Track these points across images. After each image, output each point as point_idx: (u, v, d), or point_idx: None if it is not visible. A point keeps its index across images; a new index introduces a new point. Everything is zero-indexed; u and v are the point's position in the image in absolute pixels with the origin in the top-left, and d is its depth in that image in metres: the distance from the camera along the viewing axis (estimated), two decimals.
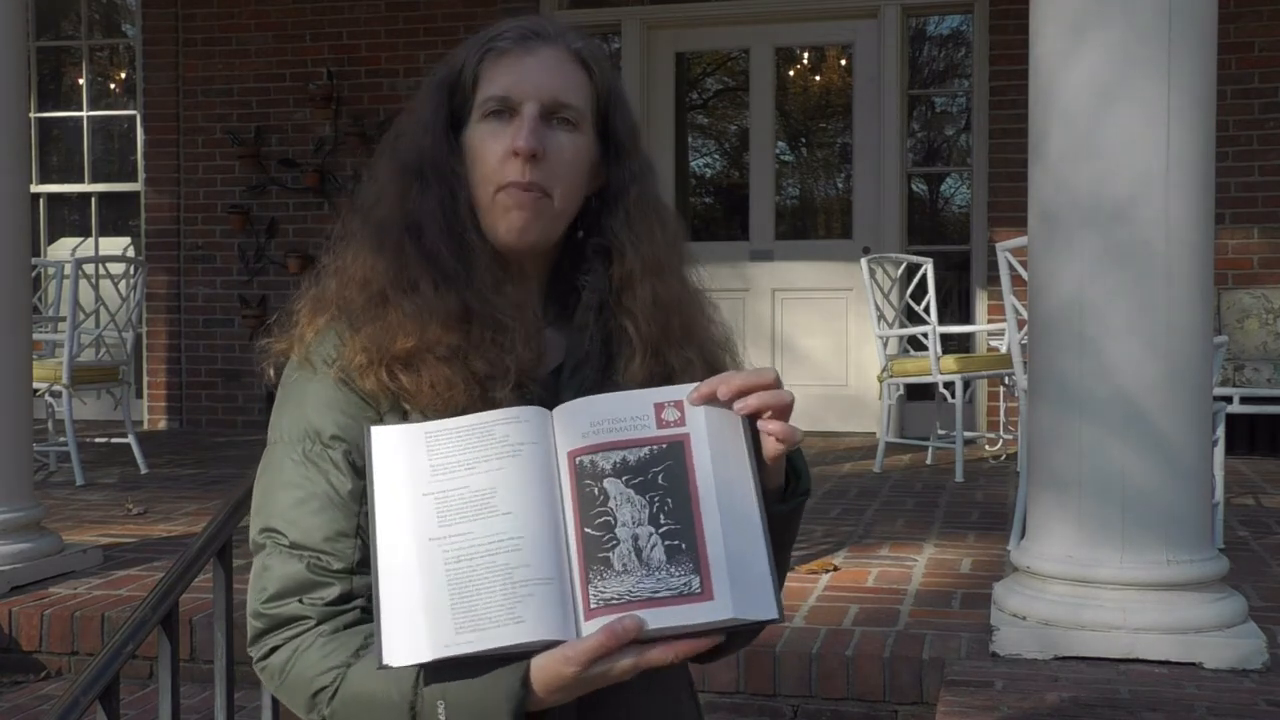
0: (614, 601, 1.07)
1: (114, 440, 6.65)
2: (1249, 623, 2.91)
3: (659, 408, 1.15)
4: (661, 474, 1.12)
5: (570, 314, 1.32)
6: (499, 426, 1.15)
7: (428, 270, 1.26)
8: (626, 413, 1.15)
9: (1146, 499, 2.84)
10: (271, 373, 1.33)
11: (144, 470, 5.95)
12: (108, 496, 5.33)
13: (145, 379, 8.00)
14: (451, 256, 1.26)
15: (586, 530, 1.10)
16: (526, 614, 1.07)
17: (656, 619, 1.06)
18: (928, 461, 6.21)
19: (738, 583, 1.07)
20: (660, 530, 1.09)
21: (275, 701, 2.19)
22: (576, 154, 1.28)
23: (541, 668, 1.07)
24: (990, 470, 5.98)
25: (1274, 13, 6.62)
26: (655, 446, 1.13)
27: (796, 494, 1.26)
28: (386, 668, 1.08)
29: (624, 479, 1.12)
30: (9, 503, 3.78)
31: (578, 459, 1.14)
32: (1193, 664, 2.79)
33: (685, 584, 1.07)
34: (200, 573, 2.12)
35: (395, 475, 1.15)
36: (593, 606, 1.08)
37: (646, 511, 1.10)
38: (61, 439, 6.11)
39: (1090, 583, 2.87)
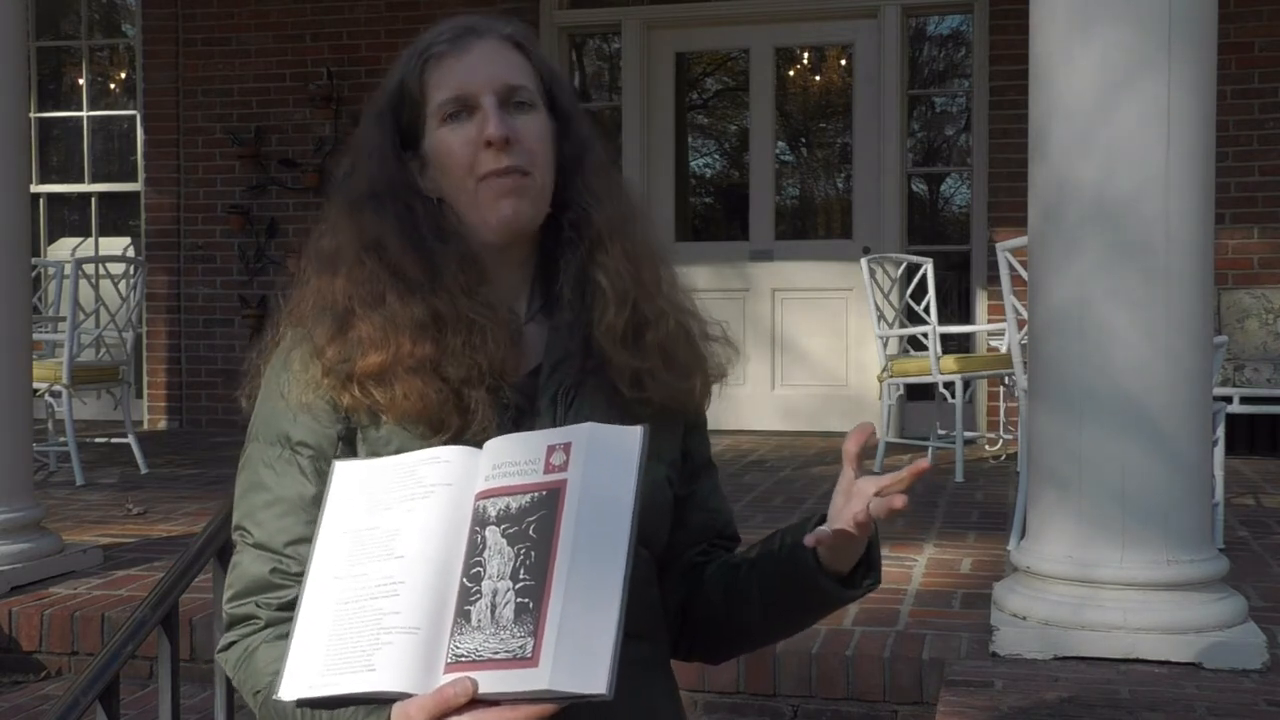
0: (464, 659, 1.04)
1: (114, 440, 6.64)
2: (1249, 623, 2.90)
3: (550, 450, 1.09)
4: (534, 524, 1.06)
5: (555, 303, 1.33)
6: (422, 466, 1.15)
7: (394, 283, 1.26)
8: (522, 455, 1.10)
9: (1147, 499, 2.84)
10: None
11: (144, 470, 5.95)
12: (108, 496, 5.33)
13: (145, 379, 8.00)
14: (416, 266, 1.26)
15: (464, 580, 1.08)
16: (380, 662, 1.06)
17: (490, 682, 1.02)
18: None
19: (565, 651, 1.00)
20: (516, 586, 1.04)
21: (229, 700, 2.21)
22: (541, 130, 1.30)
23: (396, 717, 1.08)
24: (990, 470, 5.98)
25: (1274, 13, 6.62)
26: (536, 494, 1.07)
27: (862, 586, 1.27)
28: (279, 699, 1.11)
29: (503, 527, 1.07)
30: (9, 503, 3.78)
31: (477, 503, 1.11)
32: (1193, 664, 2.79)
33: (520, 647, 1.01)
34: (200, 573, 2.12)
35: (337, 509, 1.16)
36: (448, 661, 1.05)
37: (511, 565, 1.05)
38: (61, 439, 6.11)
39: (1090, 583, 2.87)
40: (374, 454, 1.24)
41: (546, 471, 1.08)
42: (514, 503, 1.08)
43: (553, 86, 1.34)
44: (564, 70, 1.43)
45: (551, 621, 1.01)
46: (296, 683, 1.10)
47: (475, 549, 1.08)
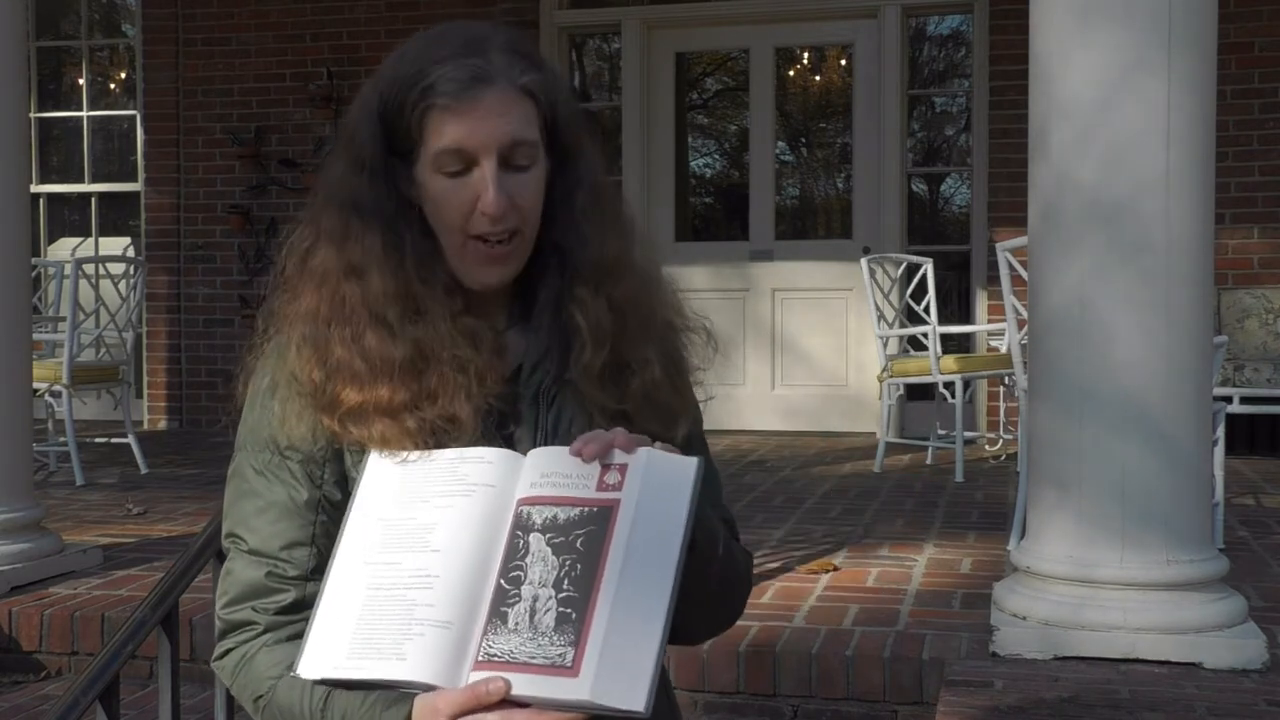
0: (496, 659, 1.06)
1: (114, 440, 6.64)
2: (1249, 623, 2.90)
3: (604, 469, 1.12)
4: (582, 538, 1.08)
5: (535, 313, 1.31)
6: (463, 465, 1.16)
7: (373, 323, 1.24)
8: (574, 469, 1.12)
9: (1147, 499, 2.84)
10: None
11: (144, 470, 5.95)
12: (108, 496, 5.33)
13: (145, 379, 8.00)
14: (397, 304, 1.24)
15: (501, 581, 1.09)
16: (411, 652, 1.07)
17: (522, 685, 1.04)
18: (928, 461, 6.21)
19: (608, 665, 1.02)
20: (559, 596, 1.06)
21: (229, 700, 2.21)
22: (537, 187, 1.27)
23: (419, 710, 1.09)
24: (990, 470, 5.98)
25: (1274, 13, 6.62)
26: (586, 508, 1.10)
27: None
28: (296, 676, 1.13)
29: (548, 536, 1.09)
30: (9, 503, 3.78)
31: (520, 508, 1.12)
32: (1193, 664, 2.79)
33: (560, 655, 1.03)
34: (200, 573, 2.12)
35: (370, 495, 1.18)
36: (479, 659, 1.07)
37: (555, 574, 1.07)
38: (61, 439, 6.10)
39: (1090, 583, 2.87)
40: (360, 465, 1.23)
41: (599, 489, 1.10)
42: (562, 514, 1.10)
43: (555, 124, 1.29)
44: (570, 88, 1.35)
45: (595, 634, 1.03)
46: (319, 662, 1.11)
47: (516, 552, 1.10)
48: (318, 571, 1.22)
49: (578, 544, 1.08)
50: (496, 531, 1.12)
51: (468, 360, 1.23)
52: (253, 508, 1.27)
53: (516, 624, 1.06)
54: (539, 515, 1.11)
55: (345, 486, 1.26)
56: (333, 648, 1.11)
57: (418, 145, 1.25)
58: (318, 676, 1.11)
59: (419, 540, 1.13)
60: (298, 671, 1.12)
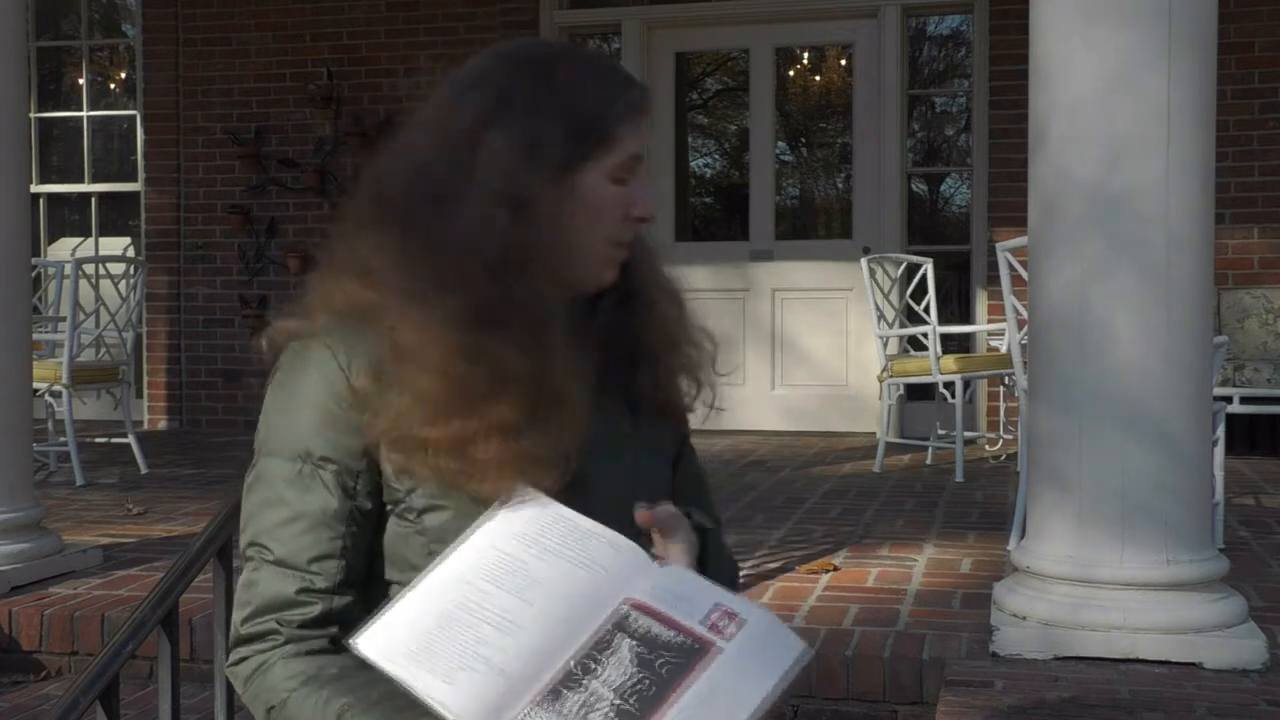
0: None
1: (114, 440, 6.64)
2: (1249, 623, 2.91)
3: (720, 610, 1.12)
4: (668, 665, 1.08)
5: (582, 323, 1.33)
6: (593, 540, 1.17)
7: (509, 329, 1.19)
8: (692, 593, 1.14)
9: (1146, 499, 2.84)
10: (265, 344, 1.30)
11: (144, 470, 5.95)
12: (108, 496, 5.33)
13: (145, 379, 8.00)
14: (538, 309, 1.20)
15: (572, 663, 1.09)
16: (461, 682, 1.07)
17: None
18: (928, 461, 6.21)
19: None
20: (617, 704, 1.06)
21: (229, 701, 2.21)
22: None
23: None
24: (990, 470, 5.98)
25: (1274, 13, 6.62)
26: (685, 638, 1.10)
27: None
28: (311, 691, 1.14)
29: (637, 646, 1.09)
30: (9, 503, 3.78)
31: (625, 606, 1.13)
32: (1193, 664, 2.79)
33: None
34: (200, 573, 2.12)
35: (503, 523, 1.19)
36: None
37: (626, 683, 1.07)
38: (61, 439, 6.10)
39: (1090, 583, 2.87)
40: (401, 469, 1.21)
41: (708, 627, 1.10)
42: (663, 633, 1.10)
43: None
44: None
45: None
46: (379, 644, 1.11)
47: (601, 645, 1.10)
48: (346, 584, 1.22)
49: (660, 668, 1.08)
50: (592, 616, 1.12)
51: (573, 397, 1.22)
52: (279, 517, 1.22)
53: (568, 710, 1.06)
54: (639, 623, 1.11)
55: (379, 496, 1.23)
56: (399, 640, 1.11)
57: (598, 148, 1.24)
58: (372, 656, 1.11)
59: (519, 585, 1.13)
60: (356, 640, 1.11)
